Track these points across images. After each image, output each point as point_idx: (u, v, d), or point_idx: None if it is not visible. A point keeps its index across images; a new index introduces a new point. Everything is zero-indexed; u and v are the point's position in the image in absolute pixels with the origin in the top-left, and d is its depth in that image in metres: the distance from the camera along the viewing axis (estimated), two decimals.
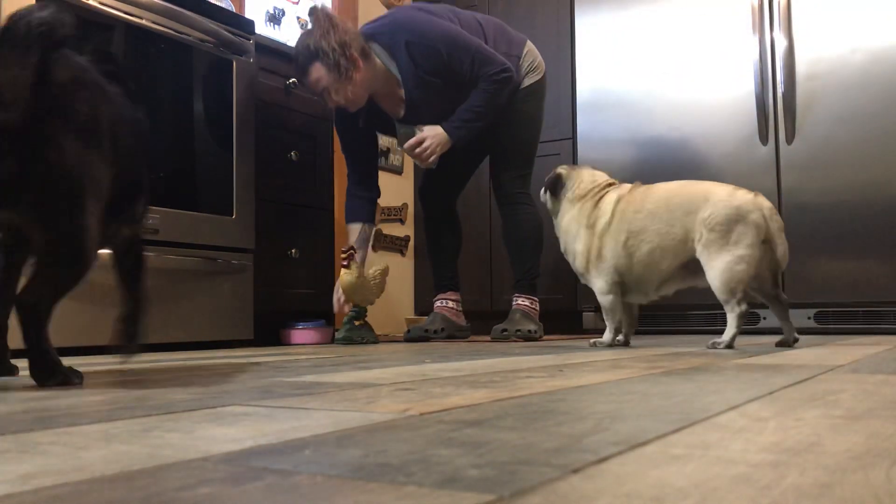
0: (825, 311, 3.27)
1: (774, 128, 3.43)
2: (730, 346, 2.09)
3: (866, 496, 0.43)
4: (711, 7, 3.60)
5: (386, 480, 0.48)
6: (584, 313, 3.81)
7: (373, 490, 0.45)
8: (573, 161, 3.97)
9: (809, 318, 3.29)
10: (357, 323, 3.04)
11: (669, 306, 3.50)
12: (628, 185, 2.40)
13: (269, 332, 3.09)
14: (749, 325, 3.27)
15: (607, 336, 2.39)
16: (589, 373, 1.33)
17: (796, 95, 3.39)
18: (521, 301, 3.11)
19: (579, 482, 0.47)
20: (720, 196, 2.16)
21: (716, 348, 2.09)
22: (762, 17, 3.46)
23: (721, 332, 2.13)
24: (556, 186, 2.51)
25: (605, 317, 2.41)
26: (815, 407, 0.83)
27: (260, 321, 2.95)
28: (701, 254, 2.15)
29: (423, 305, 4.30)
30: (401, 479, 0.48)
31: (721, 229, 2.11)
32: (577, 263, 2.43)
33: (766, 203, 2.14)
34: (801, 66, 3.39)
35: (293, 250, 3.09)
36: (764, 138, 3.44)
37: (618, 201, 2.35)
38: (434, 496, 0.43)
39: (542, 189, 2.58)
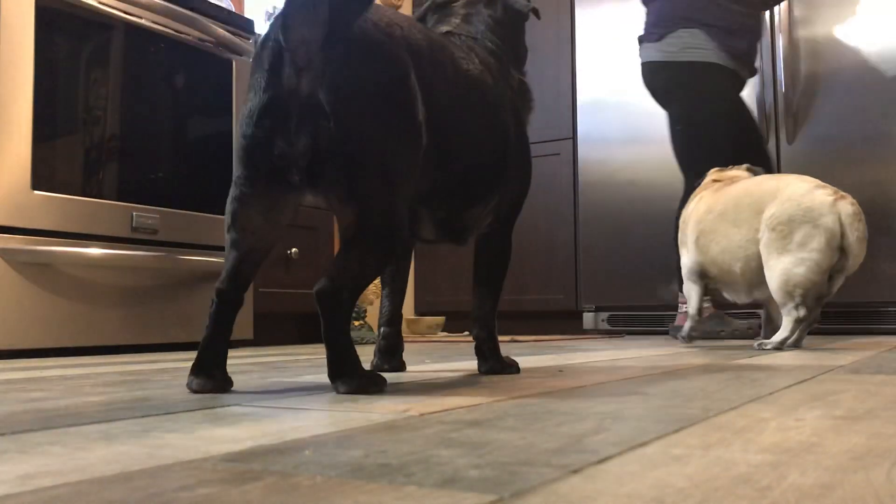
0: (825, 311, 3.26)
1: (776, 127, 3.43)
2: (779, 348, 1.96)
3: (867, 497, 0.43)
4: None
5: (386, 481, 0.48)
6: (584, 313, 3.81)
7: (373, 490, 0.45)
8: (573, 161, 3.97)
9: None
10: (356, 323, 3.04)
11: (672, 306, 3.50)
12: (726, 182, 2.33)
13: (269, 332, 3.09)
14: None
15: (687, 325, 2.32)
16: (589, 373, 1.33)
17: (797, 95, 3.39)
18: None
19: (580, 483, 0.47)
20: (789, 194, 2.00)
21: (763, 349, 1.96)
22: (763, 17, 3.46)
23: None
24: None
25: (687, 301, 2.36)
26: (815, 407, 0.83)
27: (260, 321, 2.95)
28: (762, 254, 2.03)
29: (423, 305, 4.30)
30: (401, 480, 0.48)
31: (782, 229, 1.97)
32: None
33: (848, 208, 1.95)
34: (802, 66, 3.39)
35: (293, 250, 3.09)
36: (765, 138, 3.44)
37: (701, 198, 2.31)
38: (434, 496, 0.43)
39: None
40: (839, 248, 1.94)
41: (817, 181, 2.07)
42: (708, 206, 2.24)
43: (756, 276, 2.10)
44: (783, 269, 1.96)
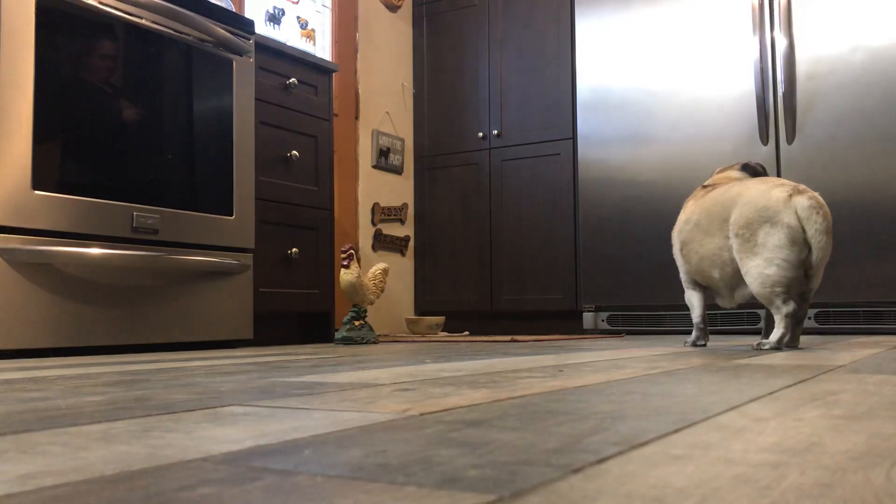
0: (825, 311, 3.27)
1: (775, 127, 3.43)
2: (777, 347, 1.95)
3: (867, 496, 0.43)
4: (712, 7, 3.60)
5: (386, 480, 0.48)
6: (584, 313, 3.81)
7: (373, 490, 0.45)
8: (573, 161, 3.97)
9: (810, 318, 3.29)
10: (357, 323, 3.04)
11: (671, 306, 3.50)
12: (708, 188, 2.31)
13: (269, 332, 3.09)
14: (750, 325, 3.26)
15: (693, 334, 2.31)
16: (589, 373, 1.33)
17: (796, 95, 3.39)
18: None
19: (580, 482, 0.47)
20: (747, 197, 2.02)
21: (761, 349, 1.95)
22: (762, 17, 3.46)
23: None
24: None
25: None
26: (815, 407, 0.83)
27: (260, 321, 2.95)
28: (737, 261, 2.04)
29: (422, 305, 4.30)
30: (401, 479, 0.48)
31: (744, 233, 2.00)
32: None
33: (804, 202, 1.93)
34: (801, 66, 3.39)
35: (293, 250, 3.09)
36: (764, 138, 3.44)
37: (685, 207, 2.31)
38: (434, 496, 0.43)
39: None
40: (804, 241, 1.93)
41: (779, 180, 2.05)
42: (687, 216, 2.26)
43: (733, 280, 2.12)
44: (756, 272, 1.98)
